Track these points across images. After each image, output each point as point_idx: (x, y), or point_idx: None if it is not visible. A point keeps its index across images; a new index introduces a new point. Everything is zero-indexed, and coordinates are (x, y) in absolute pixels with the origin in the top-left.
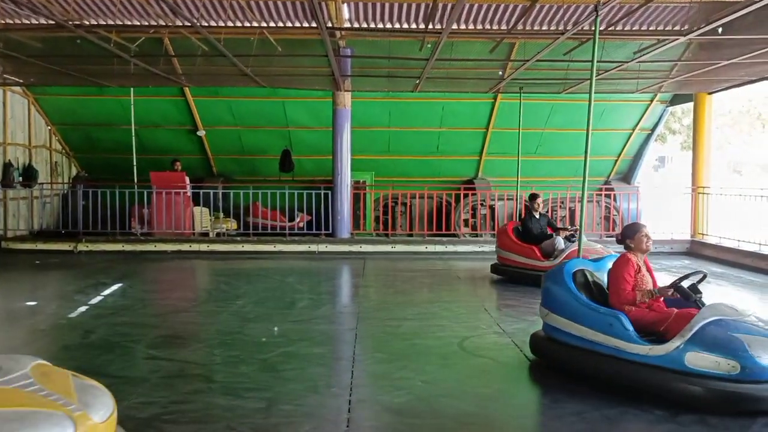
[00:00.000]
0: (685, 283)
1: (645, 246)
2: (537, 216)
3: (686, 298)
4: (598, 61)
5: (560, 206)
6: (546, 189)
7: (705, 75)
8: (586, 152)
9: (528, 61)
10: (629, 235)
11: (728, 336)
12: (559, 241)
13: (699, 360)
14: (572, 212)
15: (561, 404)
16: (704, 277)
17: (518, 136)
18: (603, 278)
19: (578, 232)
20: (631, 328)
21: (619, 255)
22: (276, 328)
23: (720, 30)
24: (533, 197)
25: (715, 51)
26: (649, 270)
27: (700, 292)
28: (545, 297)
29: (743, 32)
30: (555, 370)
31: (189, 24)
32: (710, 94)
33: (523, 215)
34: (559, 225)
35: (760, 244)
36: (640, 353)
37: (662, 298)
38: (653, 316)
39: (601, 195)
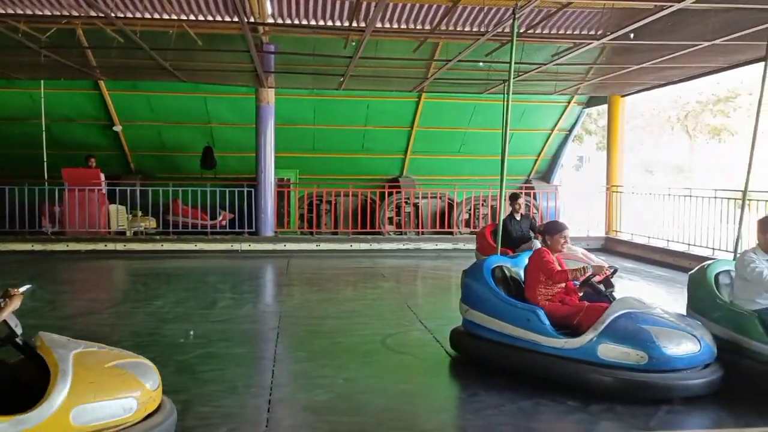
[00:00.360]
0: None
1: (560, 247)
2: (518, 218)
3: (598, 293)
4: (518, 63)
5: (482, 204)
6: (469, 187)
7: (618, 78)
8: (503, 151)
9: (450, 61)
10: (550, 232)
11: (637, 327)
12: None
13: (610, 351)
14: (494, 210)
15: (479, 398)
16: (615, 271)
17: (502, 135)
18: (521, 274)
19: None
20: (547, 322)
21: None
22: (192, 332)
23: (632, 35)
24: (514, 197)
25: (627, 56)
26: (561, 266)
27: (612, 286)
28: (465, 293)
29: (653, 38)
30: (475, 365)
31: (103, 15)
32: (623, 96)
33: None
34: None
35: (668, 241)
36: (556, 346)
37: (579, 295)
38: (566, 310)
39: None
